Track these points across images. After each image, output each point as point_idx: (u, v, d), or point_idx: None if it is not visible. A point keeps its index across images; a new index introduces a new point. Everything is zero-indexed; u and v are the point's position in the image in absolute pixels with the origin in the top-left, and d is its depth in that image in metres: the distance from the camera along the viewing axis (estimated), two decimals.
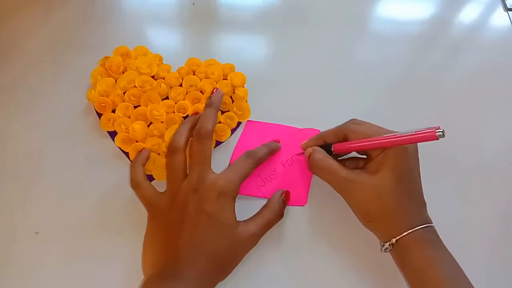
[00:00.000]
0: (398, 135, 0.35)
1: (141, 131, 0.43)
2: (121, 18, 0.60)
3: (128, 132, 0.44)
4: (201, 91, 0.48)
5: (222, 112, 0.47)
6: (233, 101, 0.48)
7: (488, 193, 0.45)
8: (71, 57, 0.53)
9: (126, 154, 0.44)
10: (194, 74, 0.49)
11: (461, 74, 0.57)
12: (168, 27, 0.60)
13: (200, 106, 0.46)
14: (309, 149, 0.42)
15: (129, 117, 0.45)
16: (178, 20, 0.61)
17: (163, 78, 0.48)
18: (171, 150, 0.39)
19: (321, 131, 0.45)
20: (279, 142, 0.45)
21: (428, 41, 0.60)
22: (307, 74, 0.54)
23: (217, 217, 0.35)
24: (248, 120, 0.47)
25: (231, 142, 0.46)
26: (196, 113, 0.44)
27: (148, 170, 0.42)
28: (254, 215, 0.38)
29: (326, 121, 0.49)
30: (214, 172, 0.38)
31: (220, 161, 0.45)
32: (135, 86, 0.46)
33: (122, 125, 0.44)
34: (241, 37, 0.60)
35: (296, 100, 0.51)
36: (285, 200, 0.41)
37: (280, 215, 0.40)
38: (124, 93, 0.46)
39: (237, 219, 0.37)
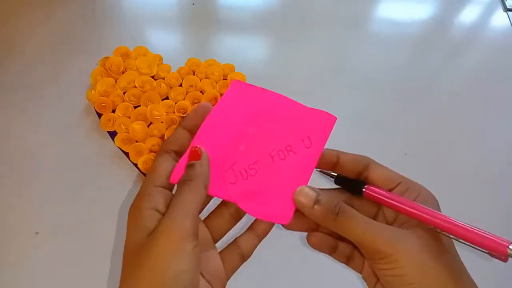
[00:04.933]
0: (464, 226, 0.25)
1: (141, 131, 0.43)
2: (121, 18, 0.60)
3: (128, 132, 0.44)
4: (201, 91, 0.48)
5: None
6: None
7: (488, 193, 0.45)
8: (71, 57, 0.53)
9: (126, 154, 0.44)
10: (194, 74, 0.49)
11: (461, 74, 0.57)
12: (168, 27, 0.60)
13: None
14: (311, 192, 0.26)
15: (129, 117, 0.45)
16: (178, 20, 0.61)
17: (163, 78, 0.48)
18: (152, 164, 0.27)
19: (336, 117, 0.32)
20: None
21: (428, 41, 0.60)
22: (306, 74, 0.54)
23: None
24: (234, 80, 0.32)
25: None
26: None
27: (146, 169, 0.42)
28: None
29: None
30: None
31: None
32: (135, 86, 0.46)
33: (122, 125, 0.44)
34: (241, 37, 0.60)
35: (296, 100, 0.51)
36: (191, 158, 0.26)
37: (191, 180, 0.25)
38: (124, 93, 0.46)
39: None
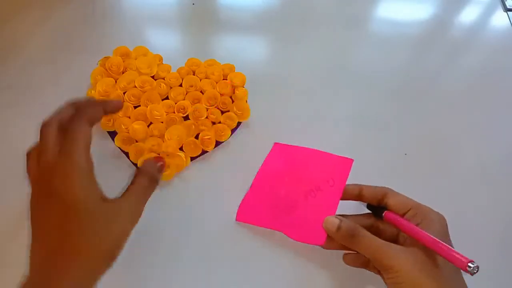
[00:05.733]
0: (437, 243, 0.31)
1: (141, 131, 0.43)
2: (121, 18, 0.60)
3: (128, 132, 0.44)
4: (201, 91, 0.48)
5: (222, 112, 0.47)
6: (233, 101, 0.48)
7: (488, 193, 0.45)
8: (71, 57, 0.53)
9: (126, 154, 0.44)
10: (194, 74, 0.49)
11: (461, 74, 0.57)
12: (168, 27, 0.60)
13: (200, 106, 0.46)
14: (335, 220, 0.35)
15: (129, 117, 0.45)
16: (178, 20, 0.61)
17: (163, 78, 0.48)
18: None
19: (353, 159, 0.40)
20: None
21: (428, 41, 0.60)
22: (306, 74, 0.54)
23: (76, 205, 0.29)
24: (275, 143, 0.45)
25: (231, 143, 0.46)
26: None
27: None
28: (127, 187, 0.33)
29: (326, 121, 0.49)
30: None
31: (221, 161, 0.45)
32: (135, 86, 0.46)
33: (122, 125, 0.44)
34: (241, 37, 0.60)
35: (295, 100, 0.51)
36: (161, 168, 0.35)
37: (155, 183, 0.34)
38: (124, 93, 0.46)
39: (105, 196, 0.31)
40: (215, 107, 0.47)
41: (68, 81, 0.51)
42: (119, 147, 0.44)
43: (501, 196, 0.45)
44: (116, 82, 0.47)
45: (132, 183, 0.33)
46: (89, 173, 0.30)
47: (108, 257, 0.31)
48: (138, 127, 0.43)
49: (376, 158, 0.46)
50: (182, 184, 0.43)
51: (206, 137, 0.44)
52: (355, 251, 0.35)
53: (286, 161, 0.43)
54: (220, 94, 0.47)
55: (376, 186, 0.38)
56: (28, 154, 0.32)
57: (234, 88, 0.48)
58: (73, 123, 0.31)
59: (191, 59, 0.50)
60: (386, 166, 0.46)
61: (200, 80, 0.48)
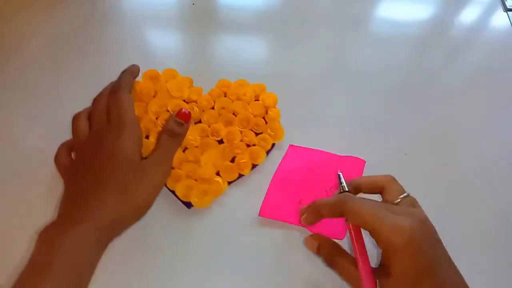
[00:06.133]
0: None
1: (177, 158, 0.42)
2: (121, 18, 0.60)
3: None
4: (233, 113, 0.46)
5: (256, 134, 0.46)
6: (266, 123, 0.47)
7: (488, 193, 0.45)
8: (72, 58, 0.53)
9: None
10: (225, 96, 0.48)
11: (461, 74, 0.57)
12: (168, 27, 0.60)
13: (234, 129, 0.45)
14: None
15: None
16: (178, 20, 0.61)
17: (195, 101, 0.47)
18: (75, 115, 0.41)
19: (365, 160, 0.45)
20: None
21: (428, 42, 0.60)
22: (306, 74, 0.54)
23: (115, 159, 0.34)
24: (290, 145, 0.47)
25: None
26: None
27: (185, 196, 0.41)
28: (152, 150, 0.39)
29: (326, 121, 0.50)
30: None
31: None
32: (168, 111, 0.45)
33: None
34: (241, 37, 0.60)
35: (295, 100, 0.51)
36: (180, 118, 0.39)
37: (178, 135, 0.39)
38: (156, 118, 0.44)
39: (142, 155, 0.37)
40: (249, 129, 0.46)
41: (68, 81, 0.51)
42: None
43: (501, 196, 0.45)
44: (147, 106, 0.45)
45: (156, 142, 0.39)
46: (137, 132, 0.37)
47: (138, 210, 0.35)
48: None
49: (376, 158, 0.46)
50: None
51: (242, 161, 0.43)
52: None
53: (302, 162, 0.45)
54: (253, 116, 0.46)
55: (376, 177, 0.36)
56: (76, 128, 0.39)
57: (266, 108, 0.47)
58: (115, 93, 0.38)
59: (221, 81, 0.49)
60: (386, 166, 0.46)
61: (232, 101, 0.47)
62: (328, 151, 0.46)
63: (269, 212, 0.41)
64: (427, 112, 0.51)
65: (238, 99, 0.48)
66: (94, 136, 0.37)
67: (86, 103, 0.48)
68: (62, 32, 0.56)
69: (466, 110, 0.52)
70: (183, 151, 0.43)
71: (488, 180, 0.46)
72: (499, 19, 0.65)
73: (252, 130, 0.46)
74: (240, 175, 0.43)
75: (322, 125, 0.49)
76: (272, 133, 0.46)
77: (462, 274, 0.31)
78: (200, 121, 0.46)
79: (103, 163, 0.34)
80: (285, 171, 0.45)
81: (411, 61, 0.57)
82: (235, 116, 0.46)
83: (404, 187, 0.36)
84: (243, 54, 0.56)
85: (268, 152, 0.45)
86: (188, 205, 0.41)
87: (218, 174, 0.43)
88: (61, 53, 0.54)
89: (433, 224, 0.35)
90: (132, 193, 0.34)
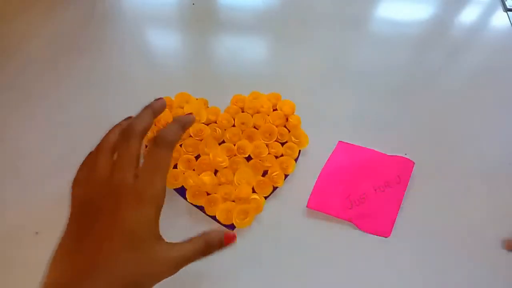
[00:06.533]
0: None
1: (211, 182, 0.41)
2: (122, 18, 0.60)
3: (198, 186, 0.41)
4: (254, 127, 0.46)
5: (282, 144, 0.45)
6: (289, 131, 0.46)
7: (488, 193, 0.45)
8: (72, 58, 0.53)
9: (200, 208, 0.41)
10: (243, 111, 0.47)
11: (461, 74, 0.57)
12: (168, 27, 0.60)
13: (259, 143, 0.44)
14: None
15: (194, 170, 0.42)
16: (178, 20, 0.61)
17: (215, 122, 0.46)
18: (97, 149, 0.35)
19: (412, 160, 0.45)
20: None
21: (428, 42, 0.60)
22: (306, 74, 0.54)
23: (130, 227, 0.29)
24: (339, 141, 0.47)
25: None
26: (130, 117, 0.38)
27: (227, 220, 0.40)
28: (185, 240, 0.32)
29: (326, 120, 0.50)
30: (136, 176, 0.31)
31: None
32: (190, 136, 0.44)
33: (190, 180, 0.41)
34: (241, 37, 0.60)
35: (295, 100, 0.51)
36: (223, 243, 0.33)
37: (209, 252, 0.33)
38: (180, 145, 0.43)
39: (161, 236, 0.31)
40: (274, 140, 0.45)
41: (68, 81, 0.51)
42: (191, 203, 0.41)
43: (501, 195, 0.45)
44: None
45: (190, 240, 0.32)
46: (158, 209, 0.30)
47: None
48: (207, 178, 0.41)
49: None
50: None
51: (274, 174, 0.43)
52: None
53: (350, 158, 0.46)
54: (276, 126, 0.46)
55: None
56: (94, 161, 0.33)
57: (286, 116, 0.47)
58: (156, 146, 0.31)
59: (235, 96, 0.48)
60: None
61: (252, 115, 0.47)
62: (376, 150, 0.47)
63: (316, 204, 0.42)
64: (426, 112, 0.51)
65: (256, 112, 0.47)
66: (115, 187, 0.31)
67: (86, 103, 0.49)
68: (62, 32, 0.56)
69: (466, 110, 0.52)
70: (215, 174, 0.42)
71: (488, 180, 0.46)
72: (499, 19, 0.65)
73: (277, 141, 0.45)
74: (274, 188, 0.43)
75: (322, 125, 0.49)
76: (297, 140, 0.45)
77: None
78: (223, 141, 0.45)
79: (105, 228, 0.29)
80: (333, 166, 0.45)
81: (411, 61, 0.57)
82: (257, 129, 0.46)
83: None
84: (243, 54, 0.56)
85: (295, 160, 0.45)
86: (231, 227, 0.40)
87: (253, 191, 0.42)
88: (61, 53, 0.54)
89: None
90: (120, 275, 0.28)
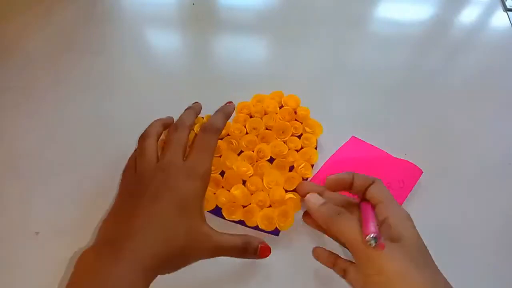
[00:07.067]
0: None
1: (243, 194, 0.41)
2: (122, 18, 0.60)
3: (232, 201, 0.41)
4: (266, 128, 0.46)
5: (299, 137, 0.45)
6: (301, 123, 0.46)
7: (488, 193, 0.45)
8: (72, 58, 0.53)
9: (240, 222, 0.41)
10: (251, 117, 0.47)
11: (461, 74, 0.57)
12: (168, 27, 0.60)
13: (277, 143, 0.44)
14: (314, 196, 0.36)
15: (223, 187, 0.42)
16: (178, 20, 0.61)
17: (228, 135, 0.45)
18: (143, 136, 0.37)
19: (422, 171, 0.44)
20: (232, 104, 0.43)
21: (428, 42, 0.60)
22: (306, 74, 0.54)
23: (180, 194, 0.31)
24: (353, 136, 0.48)
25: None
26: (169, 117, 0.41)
27: (269, 226, 0.39)
28: (227, 233, 0.33)
29: (326, 121, 0.50)
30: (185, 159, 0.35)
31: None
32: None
33: (222, 198, 0.41)
34: (241, 37, 0.60)
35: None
36: (258, 253, 0.34)
37: (243, 255, 0.34)
38: None
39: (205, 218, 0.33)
40: (290, 135, 0.45)
41: (68, 81, 0.51)
42: (230, 220, 0.41)
43: (501, 195, 0.45)
44: None
45: (234, 236, 0.34)
46: (205, 186, 0.34)
47: (171, 261, 0.31)
48: (238, 192, 0.41)
49: None
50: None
51: (301, 166, 0.42)
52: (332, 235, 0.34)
53: (359, 154, 0.46)
54: (287, 122, 0.46)
55: (367, 176, 0.36)
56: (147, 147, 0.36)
57: (294, 110, 0.47)
58: (204, 132, 0.37)
59: (239, 104, 0.47)
60: None
61: (261, 118, 0.46)
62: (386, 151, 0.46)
63: None
64: (427, 112, 0.51)
65: (264, 113, 0.47)
66: (165, 166, 0.33)
67: (86, 103, 0.49)
68: (62, 32, 0.56)
69: (466, 110, 0.52)
70: (243, 185, 0.42)
71: (488, 180, 0.46)
72: (499, 19, 0.65)
73: (293, 135, 0.45)
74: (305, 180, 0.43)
75: (322, 124, 0.49)
76: (311, 130, 0.45)
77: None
78: (241, 151, 0.45)
79: (160, 195, 0.32)
80: (339, 158, 0.46)
81: (411, 61, 0.57)
82: (270, 130, 0.45)
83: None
84: (243, 54, 0.56)
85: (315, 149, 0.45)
86: (276, 232, 0.40)
87: (286, 190, 0.41)
88: (60, 53, 0.54)
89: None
90: (175, 255, 0.30)
